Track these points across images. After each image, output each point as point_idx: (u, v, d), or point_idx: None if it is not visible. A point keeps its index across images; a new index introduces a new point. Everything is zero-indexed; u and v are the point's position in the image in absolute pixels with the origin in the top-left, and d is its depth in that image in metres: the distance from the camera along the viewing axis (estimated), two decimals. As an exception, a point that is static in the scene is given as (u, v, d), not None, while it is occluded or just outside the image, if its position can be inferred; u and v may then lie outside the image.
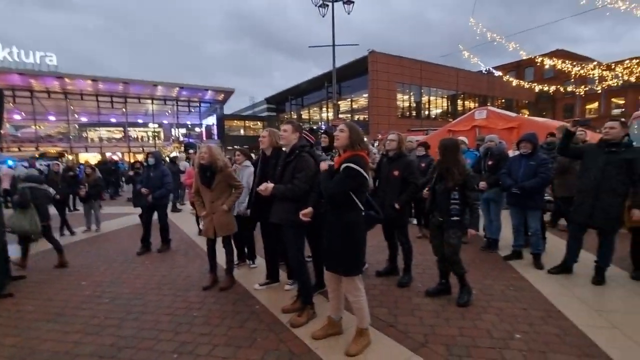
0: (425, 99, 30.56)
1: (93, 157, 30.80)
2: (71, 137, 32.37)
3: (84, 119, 34.20)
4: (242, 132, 40.12)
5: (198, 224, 6.48)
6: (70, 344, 2.65)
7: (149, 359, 2.40)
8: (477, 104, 31.76)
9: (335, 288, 2.54)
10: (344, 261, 2.34)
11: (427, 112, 30.60)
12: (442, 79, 30.39)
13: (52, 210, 5.87)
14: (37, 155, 21.16)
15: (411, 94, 29.45)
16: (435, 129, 12.64)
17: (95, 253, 5.42)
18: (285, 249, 3.00)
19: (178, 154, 15.37)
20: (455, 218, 2.96)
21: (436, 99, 31.54)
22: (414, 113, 29.77)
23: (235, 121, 41.39)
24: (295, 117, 35.96)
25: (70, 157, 27.98)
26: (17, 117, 29.94)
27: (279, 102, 40.33)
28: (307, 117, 36.19)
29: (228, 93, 35.98)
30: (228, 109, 40.19)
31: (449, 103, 32.32)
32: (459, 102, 32.61)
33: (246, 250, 4.50)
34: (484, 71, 27.24)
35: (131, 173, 8.11)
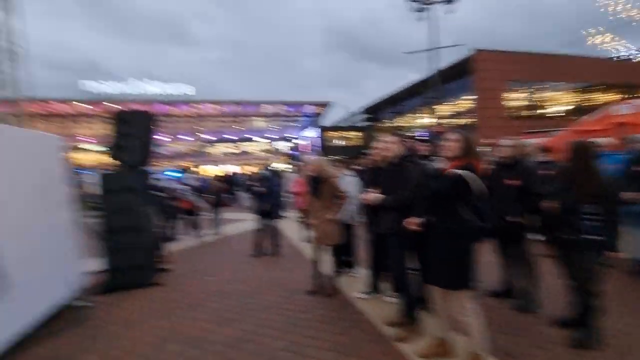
0: (544, 95, 26.59)
1: (216, 170, 35.89)
2: (198, 153, 38.32)
3: (208, 137, 40.16)
4: (341, 142, 41.42)
5: (305, 232, 6.90)
6: (205, 331, 3.12)
7: (264, 352, 2.67)
8: (618, 97, 26.11)
9: (439, 304, 2.41)
10: (444, 274, 2.21)
11: (546, 111, 26.55)
12: (566, 71, 26.02)
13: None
14: (172, 169, 25.68)
15: (526, 91, 26.00)
16: (560, 130, 10.85)
17: (218, 253, 6.29)
18: (390, 259, 2.98)
19: (284, 166, 16.67)
20: (587, 237, 2.44)
21: (559, 95, 27.14)
22: (529, 113, 26.17)
23: (335, 132, 42.95)
24: (393, 125, 35.42)
25: (197, 170, 33.15)
26: (162, 137, 36.79)
27: (375, 111, 40.34)
28: (405, 125, 35.27)
29: (325, 105, 37.75)
30: (326, 121, 42.11)
31: (576, 98, 27.41)
32: (591, 95, 27.37)
33: (349, 258, 4.60)
34: (621, 57, 22.24)
35: (252, 183, 9.14)
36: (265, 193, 5.79)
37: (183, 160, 35.96)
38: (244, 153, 39.38)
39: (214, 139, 39.54)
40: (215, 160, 38.06)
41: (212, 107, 35.02)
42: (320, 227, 3.80)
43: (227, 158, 39.02)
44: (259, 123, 39.12)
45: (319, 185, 3.81)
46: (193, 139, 38.42)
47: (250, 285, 4.35)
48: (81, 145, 30.25)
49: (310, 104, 37.13)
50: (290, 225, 8.77)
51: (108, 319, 3.48)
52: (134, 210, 4.24)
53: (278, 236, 6.02)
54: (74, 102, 29.77)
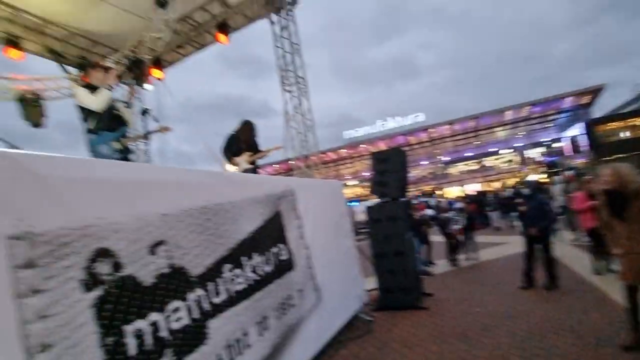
0: None
1: (456, 191, 34.86)
2: (438, 175, 38.61)
3: (446, 158, 39.90)
4: (624, 134, 30.21)
5: (598, 261, 5.33)
6: (481, 367, 2.94)
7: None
8: None
9: None
10: None
11: None
12: None
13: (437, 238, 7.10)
14: (417, 194, 26.97)
15: None
16: None
17: (478, 281, 5.88)
18: None
19: (538, 177, 13.94)
20: None
21: None
22: None
23: (612, 123, 31.92)
24: None
25: (439, 192, 33.31)
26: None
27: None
28: None
29: (595, 92, 28.96)
30: (599, 111, 32.06)
31: None
32: None
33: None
34: None
35: (515, 201, 8.26)
36: (532, 211, 4.99)
37: (424, 184, 37.34)
38: (486, 168, 36.09)
39: (452, 159, 38.79)
40: (455, 181, 37.01)
41: (446, 128, 34.83)
42: (630, 260, 2.81)
43: (468, 176, 37.01)
44: (501, 133, 35.03)
45: (625, 202, 2.87)
46: (432, 163, 39.28)
47: (526, 323, 3.75)
48: (347, 183, 37.54)
49: (571, 95, 29.61)
50: (568, 251, 7.08)
51: (389, 335, 3.94)
52: (398, 236, 4.73)
53: (554, 265, 4.94)
54: (339, 150, 37.82)
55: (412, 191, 33.09)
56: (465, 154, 38.10)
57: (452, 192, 34.82)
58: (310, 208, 3.66)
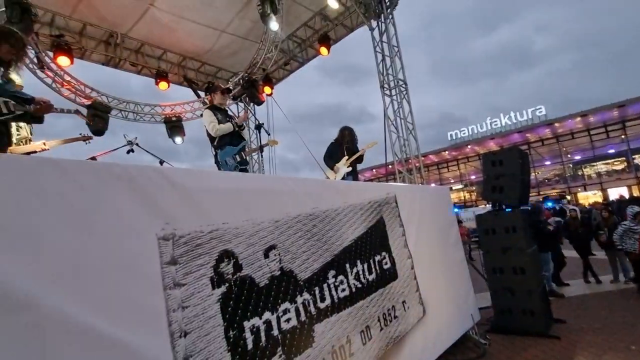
0: None
1: (593, 196, 28.85)
2: (567, 177, 32.64)
3: (577, 157, 33.51)
4: None
5: None
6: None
7: None
8: None
9: None
10: None
11: None
12: None
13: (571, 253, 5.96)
14: (540, 199, 23.29)
15: None
16: None
17: (631, 309, 4.70)
18: None
19: None
20: None
21: None
22: None
23: None
24: None
25: (569, 198, 28.07)
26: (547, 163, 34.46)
27: None
28: None
29: None
30: None
31: None
32: None
33: None
34: None
35: None
36: None
37: (548, 187, 32.02)
38: (637, 167, 28.86)
39: (586, 157, 32.33)
40: (592, 184, 30.68)
41: (578, 121, 29.18)
42: None
43: (609, 178, 30.24)
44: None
45: None
46: (558, 163, 33.49)
47: None
48: (451, 187, 34.99)
49: None
50: None
51: (507, 362, 3.47)
52: (518, 250, 4.14)
53: None
54: (442, 152, 35.47)
55: (533, 195, 28.83)
56: (607, 151, 31.27)
57: (587, 197, 29.04)
58: (414, 215, 3.49)
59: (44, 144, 2.99)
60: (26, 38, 3.66)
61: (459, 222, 7.27)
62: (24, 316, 1.08)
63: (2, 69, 2.45)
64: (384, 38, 7.99)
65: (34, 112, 2.47)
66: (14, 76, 2.69)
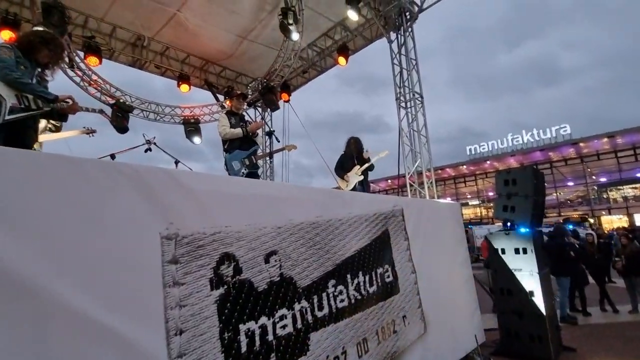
0: None
1: (618, 220, 27.69)
2: (591, 199, 31.47)
3: (602, 179, 32.29)
4: None
5: None
6: None
7: None
8: None
9: None
10: None
11: None
12: None
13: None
14: (561, 221, 22.50)
15: None
16: None
17: (650, 344, 4.48)
18: None
19: None
20: None
21: None
22: None
23: None
24: None
25: (592, 221, 26.99)
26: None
27: None
28: None
29: None
30: None
31: None
32: None
33: None
34: None
35: None
36: None
37: (570, 209, 30.92)
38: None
39: (612, 180, 31.13)
40: (618, 208, 29.46)
41: (605, 141, 28.19)
42: None
43: (637, 204, 28.97)
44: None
45: None
46: (581, 184, 32.39)
47: None
48: (465, 202, 34.27)
49: None
50: None
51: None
52: (527, 272, 4.03)
53: None
54: (459, 167, 34.85)
55: (553, 216, 27.88)
56: (636, 175, 30.00)
57: (611, 221, 27.90)
58: (421, 229, 3.46)
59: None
60: (64, 43, 3.87)
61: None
62: (30, 303, 1.15)
63: (38, 70, 2.62)
64: (403, 51, 8.00)
65: (60, 110, 2.63)
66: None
